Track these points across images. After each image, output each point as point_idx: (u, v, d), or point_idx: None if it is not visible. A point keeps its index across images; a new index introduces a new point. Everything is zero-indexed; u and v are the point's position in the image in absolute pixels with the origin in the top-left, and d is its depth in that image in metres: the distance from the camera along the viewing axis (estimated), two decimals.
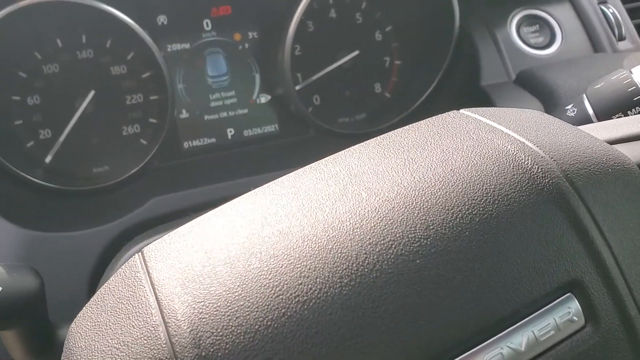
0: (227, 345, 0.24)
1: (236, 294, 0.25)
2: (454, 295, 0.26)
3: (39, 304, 0.40)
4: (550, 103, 0.68)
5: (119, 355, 0.25)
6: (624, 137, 0.35)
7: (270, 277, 0.26)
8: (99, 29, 0.73)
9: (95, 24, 0.72)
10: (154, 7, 0.76)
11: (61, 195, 0.69)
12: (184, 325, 0.25)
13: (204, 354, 0.24)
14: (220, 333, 0.24)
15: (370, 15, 0.84)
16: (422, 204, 0.28)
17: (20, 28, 0.68)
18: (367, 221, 0.27)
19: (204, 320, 0.25)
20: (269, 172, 0.70)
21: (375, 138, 0.34)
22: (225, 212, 0.30)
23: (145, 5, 0.75)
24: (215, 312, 0.25)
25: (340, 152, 0.33)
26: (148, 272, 0.28)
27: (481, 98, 0.76)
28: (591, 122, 0.50)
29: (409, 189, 0.29)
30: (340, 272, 0.26)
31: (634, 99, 0.47)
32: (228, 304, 0.25)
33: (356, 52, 0.83)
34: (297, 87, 0.80)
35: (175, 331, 0.25)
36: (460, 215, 0.27)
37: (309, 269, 0.26)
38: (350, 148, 0.33)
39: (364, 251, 0.26)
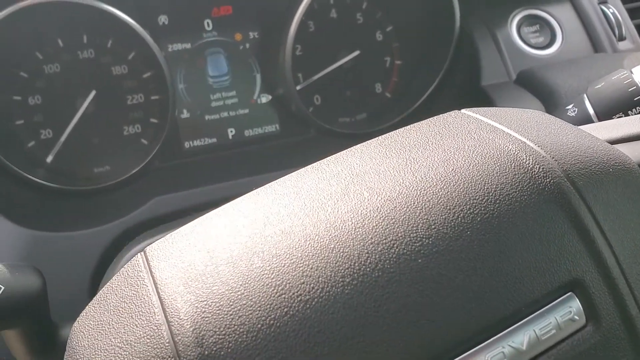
0: (230, 344, 0.24)
1: (239, 293, 0.25)
2: (456, 295, 0.26)
3: (41, 304, 0.41)
4: (551, 103, 0.68)
5: (121, 354, 0.25)
6: (624, 137, 0.35)
7: (272, 276, 0.26)
8: (100, 29, 0.73)
9: (96, 24, 0.72)
10: (155, 7, 0.77)
11: (62, 195, 0.69)
12: (187, 324, 0.25)
13: (206, 352, 0.24)
14: (223, 332, 0.24)
15: (371, 15, 0.84)
16: (423, 204, 0.28)
17: (22, 28, 0.68)
18: (369, 221, 0.27)
19: (206, 319, 0.25)
20: (269, 172, 0.70)
21: (376, 138, 0.34)
22: (228, 212, 0.30)
23: (146, 5, 0.75)
24: (217, 311, 0.25)
25: (341, 152, 0.33)
26: (151, 272, 0.28)
27: (482, 98, 0.76)
28: (592, 122, 0.50)
29: (410, 188, 0.29)
30: (342, 271, 0.26)
31: (635, 99, 0.47)
32: (231, 303, 0.25)
33: (357, 52, 0.83)
34: (298, 87, 0.81)
35: (178, 330, 0.25)
36: (461, 214, 0.27)
37: (311, 268, 0.26)
38: (351, 148, 0.33)
39: (365, 250, 0.26)
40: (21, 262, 0.42)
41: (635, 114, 0.47)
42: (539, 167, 0.29)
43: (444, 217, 0.27)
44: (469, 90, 0.80)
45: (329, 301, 0.25)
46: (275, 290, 0.25)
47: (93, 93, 0.73)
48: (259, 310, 0.25)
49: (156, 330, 0.25)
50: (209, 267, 0.27)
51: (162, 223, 0.61)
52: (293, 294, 0.25)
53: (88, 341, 0.27)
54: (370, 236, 0.27)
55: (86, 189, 0.70)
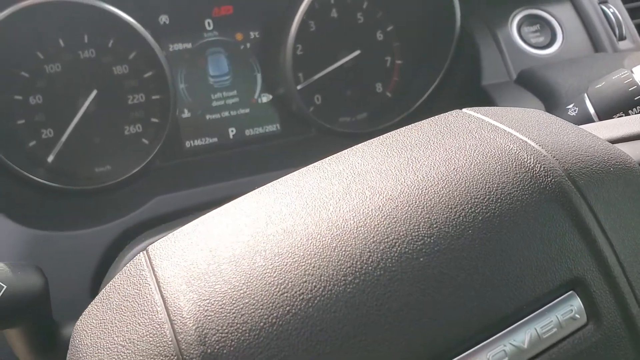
0: (233, 343, 0.24)
1: (241, 291, 0.25)
2: (458, 293, 0.26)
3: (43, 303, 0.41)
4: (551, 102, 0.68)
5: (124, 353, 0.26)
6: (625, 136, 0.35)
7: (274, 275, 0.26)
8: (101, 28, 0.73)
9: (97, 24, 0.72)
10: (155, 6, 0.77)
11: (63, 194, 0.69)
12: (190, 323, 0.25)
13: (209, 351, 0.24)
14: (226, 330, 0.24)
15: (372, 15, 0.84)
16: (425, 203, 0.28)
17: (23, 28, 0.68)
18: (371, 220, 0.27)
19: (209, 317, 0.25)
20: (270, 171, 0.71)
21: (378, 137, 0.34)
22: (230, 211, 0.31)
23: (147, 5, 0.75)
24: (220, 310, 0.25)
25: (343, 151, 0.33)
26: (153, 270, 0.28)
27: (482, 98, 0.76)
28: (592, 121, 0.50)
29: (412, 187, 0.29)
30: (344, 270, 0.26)
31: (635, 99, 0.47)
32: (233, 302, 0.25)
33: (357, 52, 0.83)
34: (299, 87, 0.81)
35: (181, 328, 0.25)
36: (463, 213, 0.28)
37: (313, 267, 0.26)
38: (353, 147, 0.34)
39: (367, 249, 0.26)
40: (23, 261, 0.42)
41: (635, 114, 0.47)
42: (540, 166, 0.29)
43: (445, 216, 0.27)
44: (469, 90, 0.80)
45: (331, 300, 0.25)
46: (277, 289, 0.25)
47: (94, 93, 0.73)
48: (262, 309, 0.25)
49: (159, 329, 0.25)
50: (211, 265, 0.27)
51: (163, 222, 0.61)
52: (295, 292, 0.25)
53: (91, 339, 0.27)
54: (372, 235, 0.27)
55: (87, 189, 0.70)
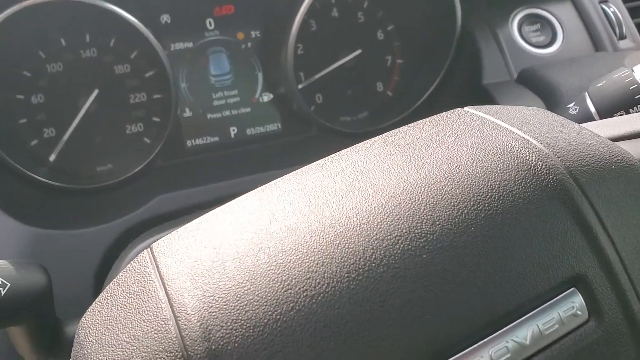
0: (237, 339, 0.24)
1: (245, 288, 0.26)
2: (460, 290, 0.26)
3: (46, 301, 0.41)
4: (552, 101, 0.68)
5: (129, 349, 0.26)
6: (626, 135, 0.36)
7: (278, 271, 0.26)
8: (102, 28, 0.73)
9: (99, 23, 0.72)
10: (157, 6, 0.77)
11: (65, 193, 0.69)
12: (194, 319, 0.25)
13: (214, 347, 0.24)
14: (230, 327, 0.25)
15: (372, 14, 0.84)
16: (428, 200, 0.28)
17: (25, 27, 0.69)
18: (374, 217, 0.28)
19: (213, 314, 0.25)
20: (271, 170, 0.71)
21: (380, 135, 0.34)
22: (233, 209, 0.31)
23: (148, 4, 0.75)
24: (224, 306, 0.25)
25: (346, 149, 0.34)
26: (157, 267, 0.28)
27: (483, 97, 0.76)
28: (593, 120, 0.50)
29: (414, 185, 0.29)
30: (347, 267, 0.26)
31: (636, 97, 0.47)
32: (237, 298, 0.25)
33: (358, 51, 0.83)
34: (300, 86, 0.81)
35: (185, 325, 0.25)
36: (465, 211, 0.28)
37: (317, 263, 0.26)
38: (356, 145, 0.34)
39: (370, 246, 0.27)
40: (26, 259, 0.42)
41: (636, 112, 0.48)
42: (542, 164, 0.29)
43: (448, 213, 0.28)
44: (470, 89, 0.80)
45: (334, 296, 0.25)
46: (281, 286, 0.26)
47: (96, 92, 0.73)
48: (266, 305, 0.25)
49: (164, 325, 0.25)
50: (215, 262, 0.27)
51: (165, 221, 0.62)
52: (299, 289, 0.25)
53: (95, 336, 0.27)
54: (375, 232, 0.27)
55: (89, 188, 0.70)
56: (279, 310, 0.25)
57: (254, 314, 0.25)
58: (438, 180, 0.29)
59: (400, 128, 0.34)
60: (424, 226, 0.27)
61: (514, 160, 0.30)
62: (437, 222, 0.27)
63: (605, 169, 0.30)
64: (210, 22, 0.79)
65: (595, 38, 0.80)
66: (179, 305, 0.26)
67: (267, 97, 0.83)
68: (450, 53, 0.81)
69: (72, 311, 0.51)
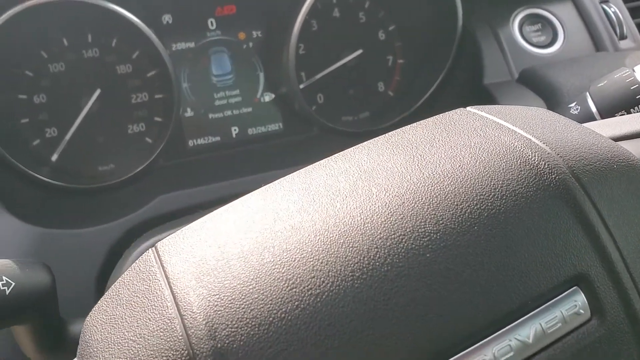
0: (242, 337, 0.25)
1: (250, 287, 0.26)
2: (463, 289, 0.26)
3: (50, 300, 0.41)
4: (553, 101, 0.68)
5: (135, 348, 0.26)
6: (627, 134, 0.36)
7: (283, 270, 0.26)
8: (104, 28, 0.73)
9: (101, 23, 0.72)
10: (159, 6, 0.77)
11: (67, 193, 0.70)
12: (200, 318, 0.25)
13: (219, 345, 0.24)
14: (235, 325, 0.25)
15: (374, 14, 0.85)
16: (431, 200, 0.28)
17: (27, 27, 0.69)
18: (378, 216, 0.28)
19: (219, 312, 0.25)
20: (273, 170, 0.71)
21: (384, 135, 0.34)
22: (237, 208, 0.31)
23: (150, 4, 0.76)
24: (230, 305, 0.25)
25: (349, 149, 0.34)
26: (162, 266, 0.28)
27: (484, 96, 0.77)
28: (594, 119, 0.50)
29: (418, 184, 0.29)
30: (351, 265, 0.26)
31: (637, 97, 0.48)
32: (242, 297, 0.25)
33: (360, 51, 0.84)
34: (301, 86, 0.81)
35: (191, 323, 0.25)
36: (469, 210, 0.28)
37: (321, 262, 0.26)
38: (359, 145, 0.34)
39: (374, 245, 0.27)
40: (30, 259, 0.43)
41: (637, 112, 0.48)
42: (545, 164, 0.29)
43: (451, 212, 0.28)
44: (471, 89, 0.81)
45: (339, 295, 0.25)
46: (286, 284, 0.26)
47: (98, 92, 0.74)
48: (270, 304, 0.25)
49: (169, 324, 0.26)
50: (220, 261, 0.27)
51: (167, 221, 0.62)
52: (304, 287, 0.26)
53: (101, 335, 0.27)
54: (379, 231, 0.27)
55: (91, 187, 0.71)
56: (283, 309, 0.25)
57: (259, 313, 0.25)
58: (441, 180, 0.29)
59: (403, 128, 0.35)
60: (427, 225, 0.27)
61: (517, 160, 0.30)
62: (441, 222, 0.27)
63: (607, 169, 0.30)
64: (212, 22, 0.80)
65: (596, 38, 0.80)
66: (185, 304, 0.26)
67: (268, 97, 0.83)
68: (452, 53, 0.81)
69: (75, 310, 0.51)
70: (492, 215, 0.28)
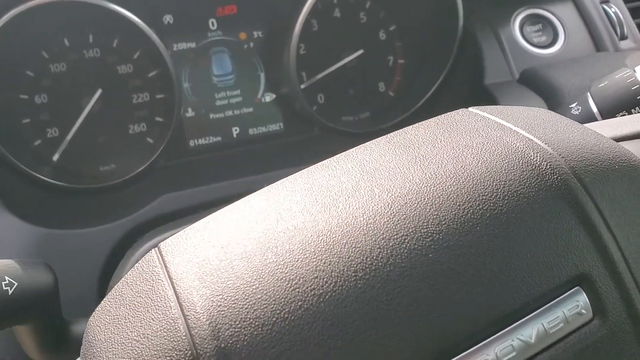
0: (246, 337, 0.25)
1: (253, 287, 0.26)
2: (466, 289, 0.26)
3: (53, 300, 0.41)
4: (554, 102, 0.69)
5: (139, 348, 0.26)
6: (629, 135, 0.36)
7: (286, 270, 0.26)
8: (105, 28, 0.73)
9: (102, 23, 0.72)
10: (160, 6, 0.77)
11: (69, 193, 0.70)
12: (203, 318, 0.25)
13: (223, 345, 0.24)
14: (239, 325, 0.25)
15: (375, 14, 0.85)
16: (433, 200, 0.28)
17: (28, 28, 0.69)
18: (380, 216, 0.28)
19: (222, 312, 0.25)
20: (274, 170, 0.71)
21: (386, 135, 0.35)
22: (240, 208, 0.31)
23: (151, 4, 0.76)
24: (233, 305, 0.25)
25: (352, 150, 0.34)
26: (165, 267, 0.28)
27: (484, 97, 0.77)
28: (595, 120, 0.50)
29: (420, 185, 0.29)
30: (354, 266, 0.26)
31: (638, 98, 0.48)
32: (246, 297, 0.26)
33: (360, 51, 0.84)
34: (302, 86, 0.81)
35: (194, 323, 0.25)
36: (471, 210, 0.28)
37: (324, 262, 0.26)
38: (361, 145, 0.34)
39: (377, 246, 0.27)
40: (33, 259, 0.43)
41: (638, 112, 0.48)
42: (547, 164, 0.30)
43: (453, 213, 0.28)
44: (472, 89, 0.81)
45: (341, 295, 0.26)
46: (289, 285, 0.26)
47: (99, 92, 0.74)
48: (274, 304, 0.25)
49: (173, 324, 0.26)
50: (223, 262, 0.27)
51: (169, 221, 0.62)
52: (307, 288, 0.26)
53: (105, 335, 0.28)
54: (381, 232, 0.27)
55: (92, 187, 0.71)
56: (286, 309, 0.25)
57: (262, 313, 0.25)
58: (443, 180, 0.29)
59: (406, 128, 0.35)
60: (430, 225, 0.27)
61: (519, 160, 0.30)
62: (443, 222, 0.28)
63: (609, 169, 0.30)
64: (212, 22, 0.80)
65: (597, 38, 0.81)
66: (188, 304, 0.26)
67: (269, 97, 0.83)
68: (452, 53, 0.81)
69: (77, 310, 0.51)
70: (495, 216, 0.28)
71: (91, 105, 0.73)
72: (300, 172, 0.33)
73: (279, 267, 0.26)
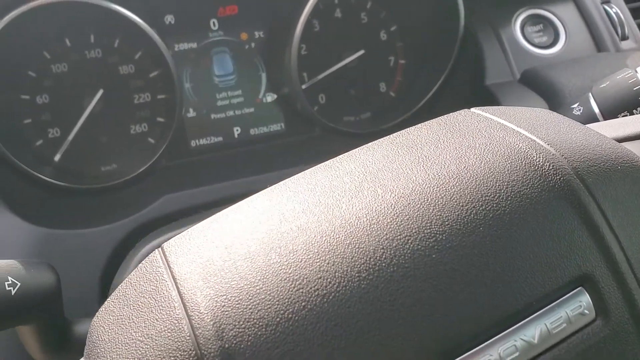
0: (250, 337, 0.25)
1: (257, 287, 0.26)
2: (469, 289, 0.26)
3: (55, 300, 0.41)
4: (555, 102, 0.69)
5: (143, 348, 0.26)
6: (631, 135, 0.36)
7: (290, 271, 0.26)
8: (107, 28, 0.73)
9: (103, 24, 0.72)
10: (161, 6, 0.77)
11: (70, 193, 0.70)
12: (207, 318, 0.25)
13: (227, 345, 0.25)
14: (243, 325, 0.25)
15: (376, 15, 0.85)
16: (437, 201, 0.28)
17: (30, 28, 0.69)
18: (384, 217, 0.28)
19: (226, 313, 0.25)
20: (275, 170, 0.71)
21: (388, 136, 0.35)
22: (243, 209, 0.31)
23: (153, 4, 0.76)
24: (237, 305, 0.25)
25: (354, 150, 0.34)
26: (169, 267, 0.28)
27: (486, 97, 0.77)
28: (597, 120, 0.50)
29: (423, 185, 0.29)
30: (358, 266, 0.26)
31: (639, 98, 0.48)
32: (249, 297, 0.26)
33: (361, 52, 0.84)
34: (303, 86, 0.81)
35: (198, 324, 0.25)
36: (474, 211, 0.28)
37: (328, 263, 0.26)
38: (364, 146, 0.34)
39: (381, 246, 0.27)
40: (36, 259, 0.43)
41: None
42: (549, 165, 0.30)
43: (456, 213, 0.28)
44: (473, 90, 0.81)
45: (345, 295, 0.26)
46: (292, 285, 0.26)
47: (100, 92, 0.74)
48: (277, 304, 0.25)
49: (177, 324, 0.26)
50: (227, 262, 0.27)
51: (171, 221, 0.62)
52: (310, 288, 0.26)
53: (109, 335, 0.28)
54: (385, 232, 0.27)
55: (94, 188, 0.71)
56: (290, 309, 0.25)
57: (266, 313, 0.25)
58: (446, 181, 0.29)
59: (408, 129, 0.35)
60: (433, 226, 0.27)
61: (521, 161, 0.30)
62: (446, 222, 0.28)
63: (611, 170, 0.30)
64: (214, 22, 0.80)
65: (598, 39, 0.81)
66: (192, 305, 0.26)
67: (270, 98, 0.83)
68: (453, 53, 0.81)
69: (79, 311, 0.51)
70: (497, 216, 0.28)
71: (92, 106, 0.73)
72: (303, 172, 0.33)
73: (283, 267, 0.26)
